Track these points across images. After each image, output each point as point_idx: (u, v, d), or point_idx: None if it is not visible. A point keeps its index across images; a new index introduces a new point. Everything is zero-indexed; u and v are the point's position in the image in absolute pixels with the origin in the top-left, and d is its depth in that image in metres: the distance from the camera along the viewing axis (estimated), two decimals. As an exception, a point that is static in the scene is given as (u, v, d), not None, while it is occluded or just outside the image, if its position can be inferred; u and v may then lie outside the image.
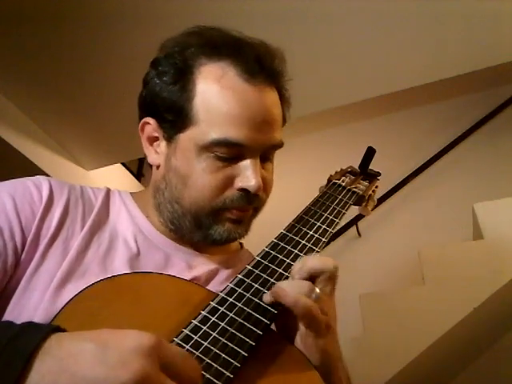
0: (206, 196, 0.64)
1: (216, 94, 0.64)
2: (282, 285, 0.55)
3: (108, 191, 0.75)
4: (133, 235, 0.70)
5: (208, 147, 0.63)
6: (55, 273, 0.61)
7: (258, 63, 0.66)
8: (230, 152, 0.63)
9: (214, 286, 0.67)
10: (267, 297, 0.56)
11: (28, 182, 0.67)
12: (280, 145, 0.70)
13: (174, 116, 0.66)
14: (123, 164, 2.99)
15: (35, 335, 0.36)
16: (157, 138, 0.69)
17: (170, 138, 0.67)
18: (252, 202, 0.66)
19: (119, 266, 0.65)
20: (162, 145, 0.69)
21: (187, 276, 0.67)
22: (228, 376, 0.47)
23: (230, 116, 0.63)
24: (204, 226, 0.67)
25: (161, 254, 0.70)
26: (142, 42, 1.93)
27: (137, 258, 0.67)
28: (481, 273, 1.68)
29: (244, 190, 0.65)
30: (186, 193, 0.66)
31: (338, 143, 2.78)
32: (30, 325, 0.38)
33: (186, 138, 0.65)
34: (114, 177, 2.90)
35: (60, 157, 2.44)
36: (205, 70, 0.65)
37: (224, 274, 0.71)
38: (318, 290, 0.54)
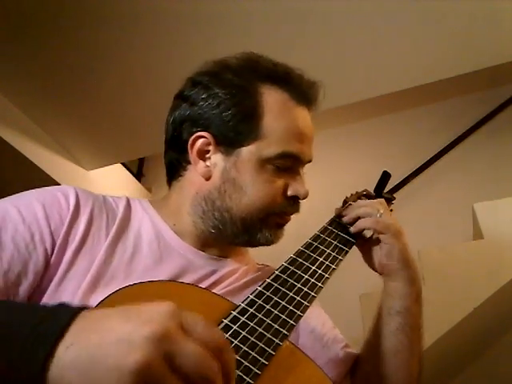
0: (264, 203, 0.73)
1: (280, 113, 0.75)
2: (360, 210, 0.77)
3: (128, 200, 0.79)
4: (156, 241, 0.74)
5: (271, 159, 0.73)
6: (84, 277, 0.64)
7: (306, 91, 0.79)
8: (287, 164, 0.74)
9: (234, 282, 0.75)
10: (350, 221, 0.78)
11: (56, 191, 0.71)
12: (311, 161, 0.81)
13: (238, 132, 0.73)
14: (123, 164, 2.99)
15: (74, 307, 0.40)
16: (207, 152, 0.75)
17: (228, 152, 0.74)
18: (298, 208, 0.77)
19: (143, 271, 0.69)
20: (216, 158, 0.75)
21: (210, 279, 0.73)
22: (249, 382, 0.48)
23: (292, 132, 0.75)
24: (252, 231, 0.74)
25: (183, 259, 0.74)
26: (143, 43, 1.93)
27: (160, 264, 0.71)
28: (481, 273, 1.68)
29: (293, 198, 0.75)
30: (243, 201, 0.73)
31: (337, 143, 2.77)
32: (66, 303, 0.42)
33: (248, 151, 0.73)
34: (114, 177, 2.90)
35: (60, 157, 2.44)
36: (265, 93, 0.75)
37: (243, 269, 0.79)
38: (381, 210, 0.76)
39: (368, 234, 0.76)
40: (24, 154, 2.12)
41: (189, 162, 0.77)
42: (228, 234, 0.75)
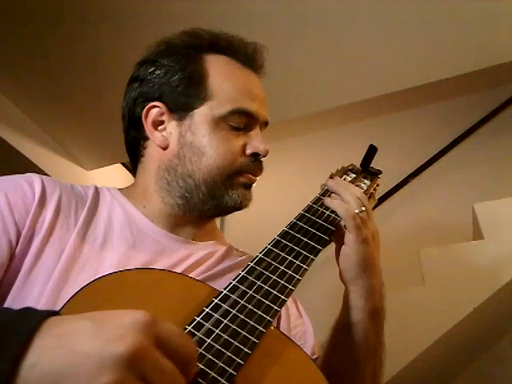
0: (224, 162, 0.72)
1: (227, 74, 0.75)
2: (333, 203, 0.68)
3: (96, 187, 0.77)
4: (128, 227, 0.72)
5: (225, 117, 0.72)
6: (54, 267, 0.62)
7: (250, 56, 0.78)
8: (242, 121, 0.73)
9: (212, 266, 0.73)
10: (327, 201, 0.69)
11: (20, 178, 0.68)
12: (268, 123, 0.80)
13: (187, 96, 0.73)
14: (123, 164, 2.99)
15: (36, 316, 0.37)
16: (162, 122, 0.75)
17: (181, 118, 0.74)
18: (261, 167, 0.76)
19: (116, 258, 0.66)
20: (171, 125, 0.74)
21: (186, 263, 0.71)
22: (231, 373, 0.47)
23: (242, 90, 0.74)
24: (218, 194, 0.73)
25: (157, 244, 0.72)
26: (143, 43, 1.93)
27: (133, 250, 0.69)
28: (481, 273, 1.68)
29: (254, 156, 0.74)
30: (203, 162, 0.72)
31: (337, 143, 2.77)
32: (29, 308, 0.39)
33: (201, 113, 0.73)
34: (114, 177, 2.90)
35: (60, 157, 2.44)
36: (210, 59, 0.76)
37: (219, 253, 0.77)
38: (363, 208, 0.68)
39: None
40: (24, 154, 2.12)
41: (147, 138, 0.76)
42: (195, 201, 0.73)
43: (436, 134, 2.71)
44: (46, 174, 2.22)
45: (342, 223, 0.68)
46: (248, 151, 0.74)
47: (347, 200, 0.68)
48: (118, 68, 1.98)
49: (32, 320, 0.36)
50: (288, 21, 1.78)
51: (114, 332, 0.34)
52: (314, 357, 0.77)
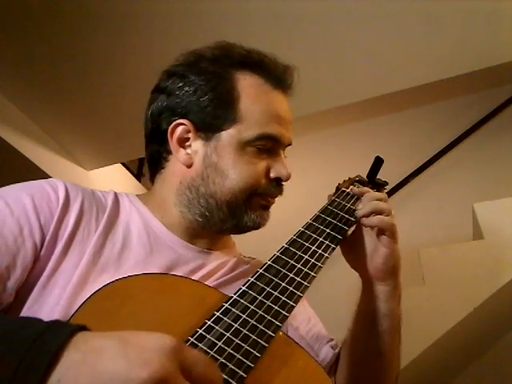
0: (247, 185, 0.73)
1: (257, 97, 0.75)
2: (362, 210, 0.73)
3: (116, 194, 0.79)
4: (145, 234, 0.73)
5: (251, 141, 0.73)
6: (74, 271, 0.63)
7: (280, 76, 0.78)
8: (267, 145, 0.74)
9: (224, 274, 0.75)
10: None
11: (45, 183, 0.70)
12: (291, 143, 0.81)
13: (216, 117, 0.74)
14: (123, 164, 2.99)
15: (63, 331, 0.37)
16: (187, 139, 0.75)
17: (208, 138, 0.74)
18: (282, 190, 0.78)
19: (134, 264, 0.68)
20: (196, 145, 0.75)
21: (201, 272, 0.73)
22: (241, 375, 0.48)
23: (270, 114, 0.75)
24: (238, 214, 0.74)
25: (173, 252, 0.73)
26: (143, 44, 1.93)
27: (150, 257, 0.70)
28: (481, 273, 1.68)
29: (276, 180, 0.76)
30: (226, 185, 0.73)
31: (337, 143, 2.78)
32: (57, 322, 0.39)
33: (228, 135, 0.73)
34: (114, 177, 2.90)
35: (60, 157, 2.44)
36: (241, 78, 0.76)
37: (231, 262, 0.78)
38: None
39: (368, 231, 0.73)
40: (24, 154, 2.12)
41: (170, 153, 0.77)
42: (215, 220, 0.75)
43: (436, 134, 2.71)
44: (46, 174, 2.23)
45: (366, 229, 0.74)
46: (272, 175, 0.76)
47: (381, 209, 0.73)
48: (117, 68, 1.98)
49: (61, 335, 0.36)
50: (288, 21, 1.78)
51: (139, 355, 0.35)
52: (337, 350, 0.80)
